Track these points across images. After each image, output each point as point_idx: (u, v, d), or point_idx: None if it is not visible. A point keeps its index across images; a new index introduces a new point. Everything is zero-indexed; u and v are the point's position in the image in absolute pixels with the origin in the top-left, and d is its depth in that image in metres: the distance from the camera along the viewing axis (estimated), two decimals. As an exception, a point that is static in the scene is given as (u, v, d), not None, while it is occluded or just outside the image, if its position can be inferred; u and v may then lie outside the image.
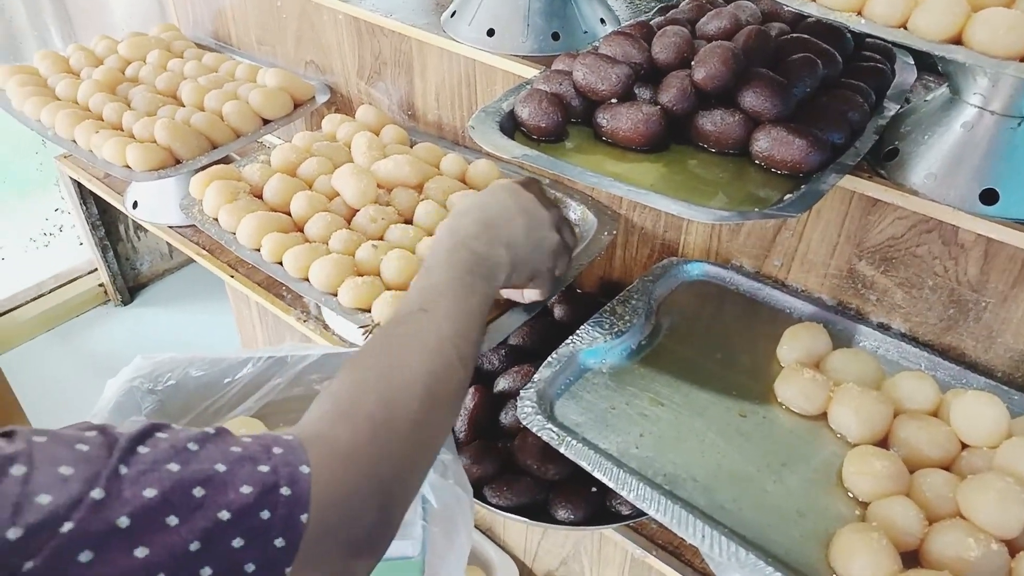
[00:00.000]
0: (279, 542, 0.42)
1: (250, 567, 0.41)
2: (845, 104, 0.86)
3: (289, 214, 1.07)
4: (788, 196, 0.78)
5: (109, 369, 0.78)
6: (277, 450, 0.45)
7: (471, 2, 1.14)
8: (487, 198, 0.76)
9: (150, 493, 0.39)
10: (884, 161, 0.85)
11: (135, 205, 1.44)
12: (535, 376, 0.84)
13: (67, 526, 0.36)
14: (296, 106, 1.38)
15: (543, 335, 1.08)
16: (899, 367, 0.86)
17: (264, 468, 0.43)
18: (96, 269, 1.88)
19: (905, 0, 0.67)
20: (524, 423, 0.79)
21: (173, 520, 0.39)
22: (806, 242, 0.93)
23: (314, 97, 1.40)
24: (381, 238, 1.02)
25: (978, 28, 0.64)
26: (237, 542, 0.41)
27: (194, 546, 0.39)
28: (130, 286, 1.94)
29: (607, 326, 0.90)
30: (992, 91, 0.76)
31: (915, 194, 0.80)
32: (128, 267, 1.93)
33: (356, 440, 0.51)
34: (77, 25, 1.89)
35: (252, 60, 1.53)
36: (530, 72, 1.07)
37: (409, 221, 1.07)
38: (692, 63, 0.87)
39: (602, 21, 1.15)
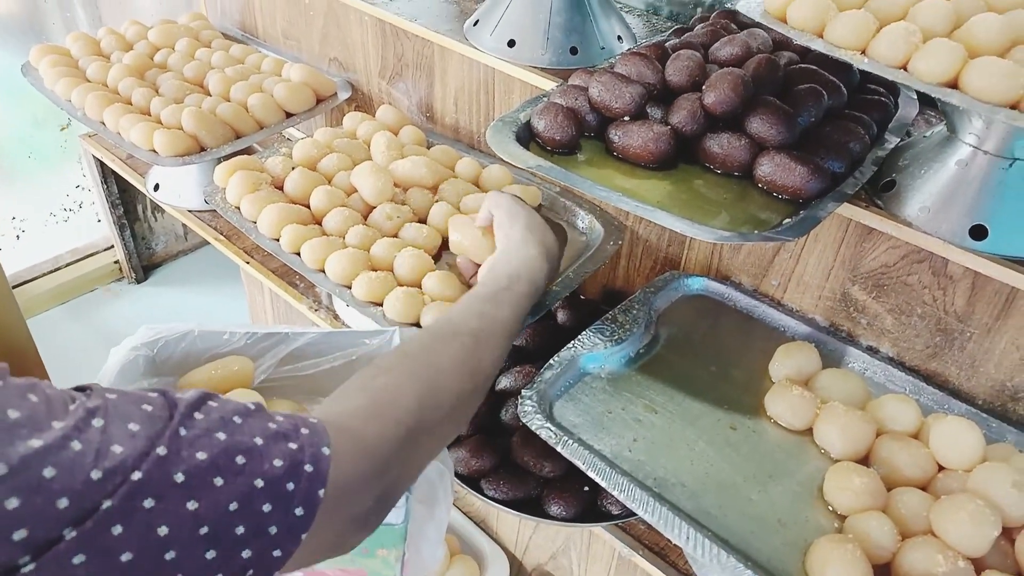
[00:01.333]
0: (299, 511, 0.48)
1: (273, 529, 0.46)
2: (847, 135, 0.90)
3: (308, 207, 1.11)
4: (787, 220, 0.82)
5: (119, 343, 0.82)
6: (304, 431, 0.50)
7: (494, 13, 1.18)
8: (533, 220, 0.87)
9: (202, 456, 0.44)
10: (881, 192, 0.89)
11: (156, 187, 1.48)
12: (537, 377, 0.88)
13: (136, 475, 0.41)
14: (318, 101, 1.42)
15: (545, 338, 1.12)
16: (885, 389, 0.90)
17: (293, 446, 0.49)
18: (112, 246, 1.93)
19: (907, 43, 0.71)
20: (524, 421, 0.83)
21: (219, 481, 0.44)
22: (803, 264, 0.97)
23: (336, 94, 1.44)
24: (396, 235, 1.06)
25: (974, 74, 0.68)
26: (266, 507, 0.46)
27: (233, 506, 0.44)
28: (144, 265, 1.98)
29: (608, 333, 0.94)
30: (986, 132, 0.80)
31: (909, 225, 0.84)
32: (144, 246, 1.97)
33: (381, 439, 0.56)
34: (104, 8, 1.93)
35: (277, 53, 1.57)
36: (547, 84, 1.11)
37: (424, 220, 1.11)
38: (703, 87, 0.91)
39: (619, 38, 1.19)
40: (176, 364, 0.85)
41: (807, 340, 0.96)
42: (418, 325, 0.95)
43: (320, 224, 1.08)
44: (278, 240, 1.05)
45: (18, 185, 1.78)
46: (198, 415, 0.46)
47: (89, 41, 1.51)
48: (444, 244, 1.10)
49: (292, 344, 0.87)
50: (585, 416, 0.86)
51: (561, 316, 1.15)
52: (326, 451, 0.50)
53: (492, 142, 0.91)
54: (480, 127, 1.30)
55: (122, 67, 1.41)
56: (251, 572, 0.46)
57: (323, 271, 1.01)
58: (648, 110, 0.95)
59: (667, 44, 1.05)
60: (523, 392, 0.86)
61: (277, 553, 0.47)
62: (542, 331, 1.12)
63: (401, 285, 0.98)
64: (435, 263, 1.05)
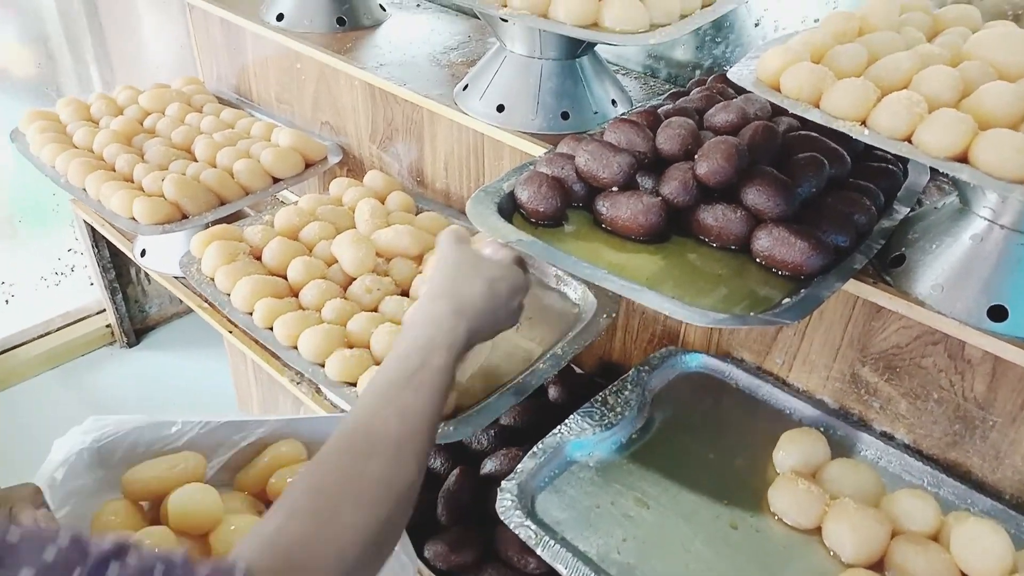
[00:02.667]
0: None
1: None
2: (851, 206, 0.84)
3: (287, 278, 1.06)
4: (787, 300, 0.76)
5: (109, 409, 0.77)
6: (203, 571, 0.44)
7: (483, 77, 1.14)
8: (454, 280, 0.73)
9: None
10: (890, 267, 0.82)
11: (143, 253, 1.45)
12: (518, 466, 0.82)
13: None
14: (308, 166, 1.39)
15: (536, 416, 1.05)
16: (901, 481, 0.83)
17: None
18: (104, 310, 1.89)
19: (910, 113, 0.65)
20: (502, 518, 0.76)
21: None
22: (808, 342, 0.90)
23: (327, 158, 1.41)
24: (375, 309, 1.01)
25: (984, 147, 0.62)
26: None
27: None
28: (137, 328, 1.94)
29: (598, 417, 0.88)
30: (1002, 206, 0.74)
31: (921, 304, 0.78)
32: (136, 309, 1.93)
33: (316, 565, 0.50)
34: (117, 69, 1.93)
35: (271, 117, 1.55)
36: (537, 150, 1.06)
37: (407, 293, 1.05)
38: (696, 156, 0.86)
39: (613, 102, 1.15)
40: (122, 457, 0.79)
41: (815, 424, 0.89)
42: (393, 408, 0.88)
43: (298, 296, 1.03)
44: (251, 314, 1.00)
45: (9, 249, 1.75)
46: (110, 570, 0.40)
47: (79, 106, 1.50)
48: (428, 317, 1.04)
49: (251, 434, 0.81)
50: (570, 511, 0.79)
51: (552, 392, 1.08)
52: None
53: (472, 214, 0.86)
54: (470, 192, 1.25)
55: (109, 132, 1.39)
56: None
57: (296, 348, 0.95)
58: (638, 180, 0.90)
59: (660, 110, 1.00)
60: (503, 484, 0.79)
61: None
62: (532, 409, 1.05)
63: (378, 364, 0.93)
64: (417, 339, 1.00)
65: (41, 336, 1.88)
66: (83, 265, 1.88)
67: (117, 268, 1.80)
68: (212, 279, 1.06)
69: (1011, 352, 0.73)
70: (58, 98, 1.85)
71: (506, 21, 0.96)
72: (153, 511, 0.82)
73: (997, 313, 0.74)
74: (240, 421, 0.82)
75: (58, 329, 1.90)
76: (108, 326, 1.93)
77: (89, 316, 1.93)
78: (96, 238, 1.71)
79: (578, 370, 1.19)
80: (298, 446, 0.87)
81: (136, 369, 1.92)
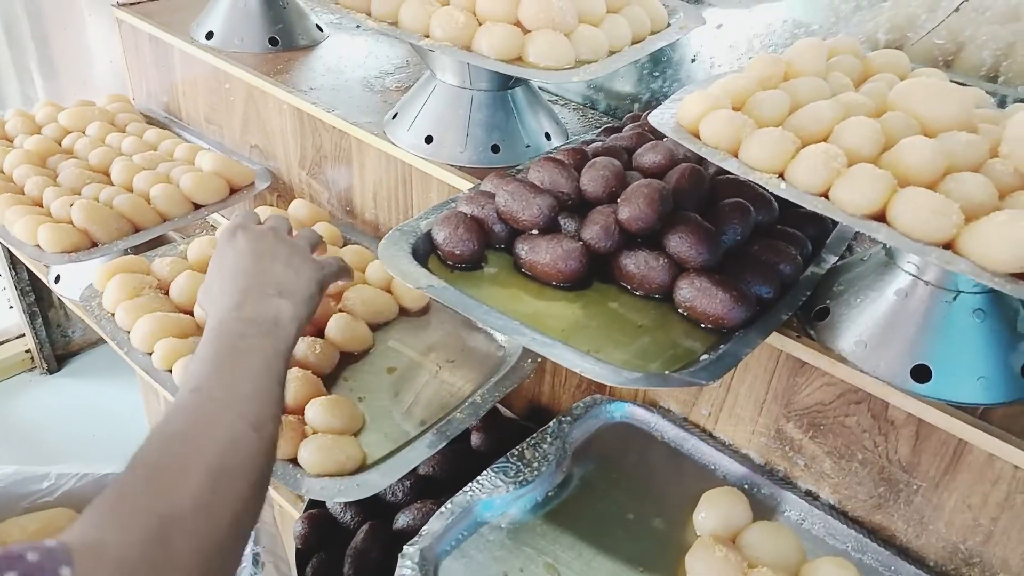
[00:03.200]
0: None
1: None
2: (776, 255, 0.81)
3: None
4: (705, 356, 0.72)
5: (27, 437, 0.71)
6: (32, 556, 0.42)
7: (412, 106, 1.10)
8: (227, 261, 0.75)
9: None
10: (815, 320, 0.79)
11: (57, 279, 1.37)
12: (423, 528, 0.76)
13: None
14: (234, 191, 1.33)
15: (456, 464, 1.00)
16: (825, 545, 0.79)
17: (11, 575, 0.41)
18: (24, 334, 1.80)
19: (827, 168, 0.62)
20: (400, 589, 0.71)
21: None
22: (734, 394, 0.87)
23: (254, 183, 1.35)
24: (286, 352, 0.95)
25: (902, 207, 0.59)
26: None
27: None
28: (59, 354, 1.85)
29: (512, 473, 0.83)
30: (925, 261, 0.71)
31: (843, 361, 0.74)
32: (59, 334, 1.85)
33: (128, 540, 0.48)
34: (64, 81, 1.85)
35: (200, 138, 1.48)
36: (465, 184, 1.02)
37: (321, 332, 1.00)
38: (619, 200, 0.82)
39: (547, 135, 1.11)
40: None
41: (740, 482, 0.85)
42: (294, 462, 0.83)
43: (204, 336, 0.97)
44: (151, 354, 0.94)
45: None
46: None
47: (-6, 123, 1.42)
48: (347, 359, 0.99)
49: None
50: (476, 579, 0.74)
51: (475, 439, 1.03)
52: (65, 572, 0.43)
53: (383, 256, 0.81)
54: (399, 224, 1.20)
55: (21, 152, 1.31)
56: None
57: (197, 393, 0.89)
58: (561, 221, 0.86)
59: (590, 147, 0.97)
60: (404, 549, 0.74)
61: None
62: (452, 457, 1.00)
63: (285, 412, 0.87)
64: (330, 384, 0.94)
65: (-46, 361, 1.78)
66: (1, 287, 1.79)
67: (36, 291, 1.72)
68: (113, 314, 0.99)
69: (934, 415, 0.70)
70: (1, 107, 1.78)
71: (432, 51, 0.92)
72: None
73: (921, 373, 0.72)
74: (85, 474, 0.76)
75: (-27, 354, 1.80)
76: (28, 351, 1.84)
77: (8, 340, 1.83)
78: (13, 260, 1.63)
79: (506, 412, 1.14)
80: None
81: (56, 397, 1.83)
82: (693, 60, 1.18)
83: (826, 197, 0.64)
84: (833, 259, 0.87)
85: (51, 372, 1.84)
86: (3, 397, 1.79)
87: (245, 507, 0.56)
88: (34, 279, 1.69)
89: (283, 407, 0.66)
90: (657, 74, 1.22)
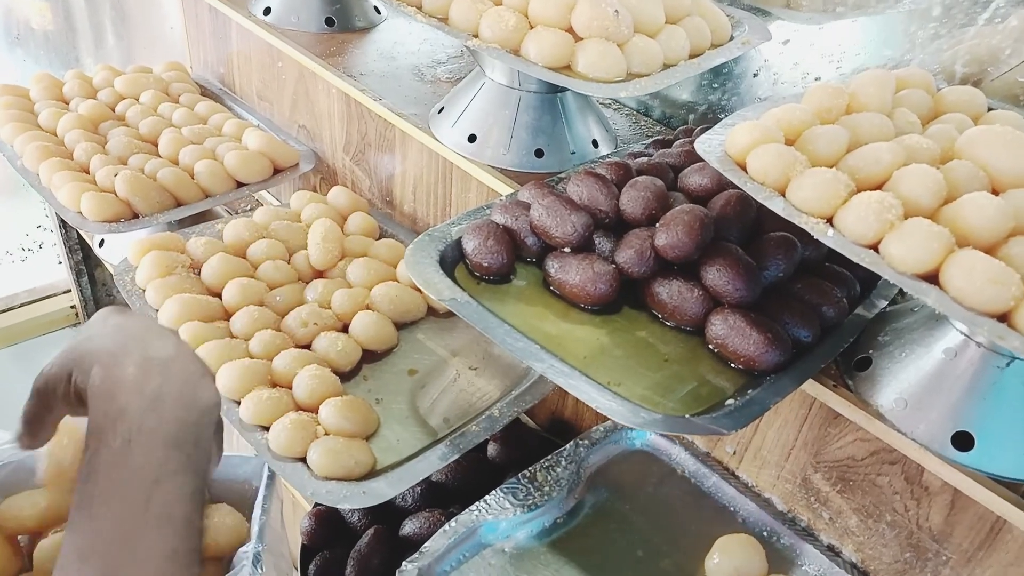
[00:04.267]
0: None
1: None
2: (820, 296, 0.76)
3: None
4: (730, 402, 0.68)
5: None
6: None
7: (458, 102, 1.07)
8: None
9: None
10: (855, 370, 0.75)
11: (101, 243, 1.39)
12: (424, 545, 0.75)
13: None
14: (278, 171, 1.32)
15: (470, 474, 0.98)
16: (840, 606, 0.75)
17: None
18: (70, 290, 1.84)
19: (879, 220, 0.58)
20: (394, 607, 0.69)
21: None
22: (762, 435, 0.83)
23: (298, 164, 1.34)
24: (308, 345, 0.94)
25: (955, 271, 0.55)
26: None
27: None
28: (103, 312, 1.89)
29: (522, 496, 0.81)
30: (979, 324, 0.66)
31: (881, 418, 0.70)
32: (103, 293, 1.88)
33: None
34: (135, 41, 1.87)
35: (251, 113, 1.48)
36: (505, 188, 0.99)
37: (346, 328, 0.98)
38: (658, 224, 0.79)
39: (595, 143, 1.07)
40: (3, 484, 0.73)
41: (759, 527, 0.82)
42: (303, 460, 0.82)
43: (230, 321, 0.97)
44: (176, 337, 0.94)
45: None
46: None
47: (52, 83, 1.44)
48: (369, 357, 0.98)
49: None
50: (472, 605, 0.72)
51: (492, 450, 1.01)
52: None
53: (409, 263, 0.79)
54: (437, 220, 1.19)
55: (74, 117, 1.32)
56: None
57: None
58: (596, 240, 0.83)
59: (635, 162, 0.93)
60: (404, 565, 0.73)
61: None
62: (466, 466, 0.98)
63: (300, 408, 0.86)
64: (349, 381, 0.93)
65: (2, 312, 1.83)
66: (52, 243, 1.83)
67: (84, 250, 1.75)
68: (144, 291, 1.00)
69: (973, 488, 0.65)
70: (76, 63, 1.81)
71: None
72: (30, 546, 0.76)
73: (962, 441, 0.67)
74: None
75: (21, 306, 1.85)
76: (73, 307, 1.88)
77: (55, 295, 1.88)
78: (63, 218, 1.66)
79: (528, 422, 1.12)
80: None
81: (97, 354, 1.87)
82: (755, 75, 1.13)
83: (876, 249, 0.59)
84: (883, 304, 0.82)
85: (94, 329, 1.89)
86: (47, 350, 1.83)
87: None
88: (82, 239, 1.72)
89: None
90: (716, 86, 1.17)
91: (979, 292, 0.53)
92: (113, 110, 1.41)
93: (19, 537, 0.76)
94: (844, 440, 0.75)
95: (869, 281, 0.84)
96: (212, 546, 0.76)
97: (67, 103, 1.42)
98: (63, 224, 1.67)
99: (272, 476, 0.78)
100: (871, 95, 0.72)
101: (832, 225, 0.61)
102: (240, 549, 0.72)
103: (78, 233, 1.72)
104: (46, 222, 1.81)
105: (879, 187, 0.63)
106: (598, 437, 0.89)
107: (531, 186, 0.88)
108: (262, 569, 0.74)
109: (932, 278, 0.57)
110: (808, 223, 0.61)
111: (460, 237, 0.83)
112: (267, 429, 0.84)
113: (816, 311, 0.76)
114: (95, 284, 1.85)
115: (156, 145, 1.32)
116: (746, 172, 0.67)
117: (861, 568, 0.78)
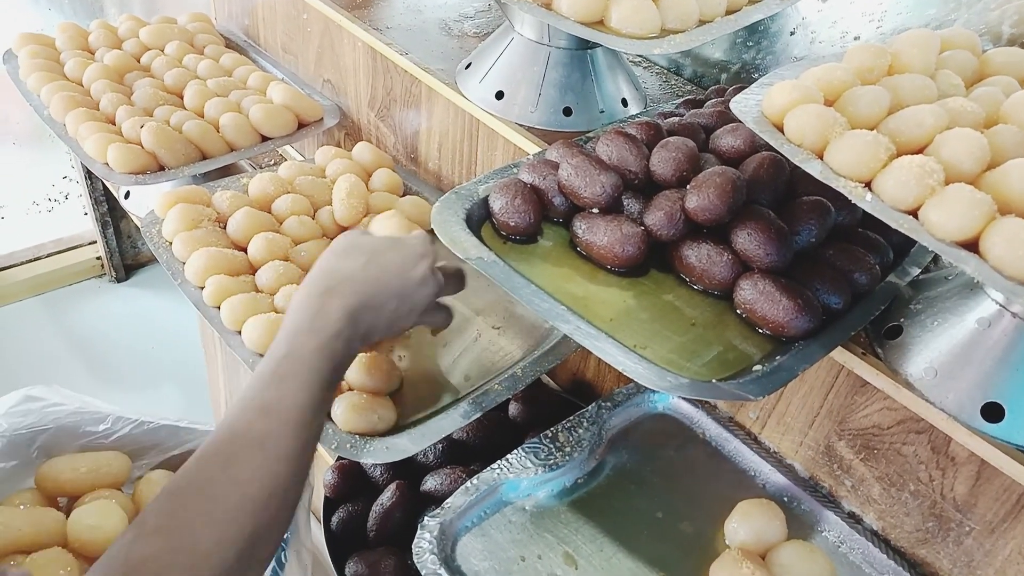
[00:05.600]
0: None
1: None
2: (852, 263, 0.75)
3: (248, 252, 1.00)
4: (757, 367, 0.68)
5: (89, 342, 0.73)
6: None
7: (486, 58, 1.05)
8: (330, 260, 0.69)
9: None
10: (885, 338, 0.74)
11: (127, 195, 1.40)
12: (446, 502, 0.76)
13: None
14: (303, 125, 1.31)
15: (491, 433, 0.99)
16: (861, 574, 0.75)
17: None
18: (95, 241, 1.85)
19: (920, 185, 0.56)
20: (415, 561, 0.70)
21: None
22: (786, 402, 0.82)
23: (323, 119, 1.33)
24: (332, 301, 0.94)
25: (997, 238, 0.53)
26: None
27: None
28: (127, 264, 1.91)
29: (543, 455, 0.81)
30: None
31: (910, 387, 0.69)
32: (128, 245, 1.89)
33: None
34: None
35: (275, 66, 1.47)
36: (531, 147, 0.98)
37: (370, 284, 0.98)
38: (689, 186, 0.77)
39: (624, 102, 1.06)
40: (44, 445, 0.75)
41: (780, 493, 0.82)
42: (328, 415, 0.82)
43: (255, 275, 0.97)
44: (203, 289, 0.94)
45: (1, 170, 1.71)
46: None
47: (77, 33, 1.43)
48: (391, 313, 0.98)
49: (184, 443, 0.76)
50: (493, 560, 0.73)
51: (513, 409, 1.02)
52: None
53: (436, 221, 0.78)
54: (462, 179, 1.18)
55: (100, 67, 1.32)
56: None
57: (240, 333, 0.89)
58: (625, 201, 0.81)
59: (666, 121, 0.91)
60: (424, 520, 0.73)
61: None
62: (488, 424, 0.99)
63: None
64: (372, 337, 0.93)
65: (29, 261, 1.85)
66: (78, 194, 1.84)
67: (110, 201, 1.76)
68: (171, 243, 1.00)
69: (1000, 458, 0.64)
70: (100, 12, 1.80)
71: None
72: (69, 506, 0.78)
73: (992, 412, 0.66)
74: (176, 427, 0.78)
75: (48, 256, 1.87)
76: (98, 258, 1.89)
77: (80, 246, 1.90)
78: (89, 169, 1.67)
79: (549, 382, 1.12)
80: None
81: (121, 305, 1.89)
82: (792, 33, 1.09)
83: (915, 215, 0.58)
84: (916, 271, 0.80)
85: (119, 281, 1.91)
86: (72, 299, 1.86)
87: (280, 533, 0.55)
88: (107, 190, 1.73)
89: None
90: (751, 44, 1.14)
91: (1020, 261, 0.52)
92: (138, 61, 1.40)
93: (58, 499, 0.78)
94: (871, 408, 0.74)
95: (903, 247, 0.83)
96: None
97: (92, 53, 1.41)
98: (89, 175, 1.67)
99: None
100: (914, 56, 0.69)
101: (871, 190, 0.60)
102: None
103: (104, 184, 1.73)
104: (72, 173, 1.82)
105: (920, 151, 0.61)
106: (620, 399, 0.89)
107: (559, 145, 0.87)
108: (286, 558, 0.75)
109: (972, 246, 0.56)
110: (846, 187, 0.59)
111: (487, 196, 0.82)
112: (292, 383, 0.84)
113: (848, 278, 0.74)
114: (120, 236, 1.87)
115: (181, 97, 1.31)
116: (783, 133, 0.65)
117: (882, 536, 0.78)
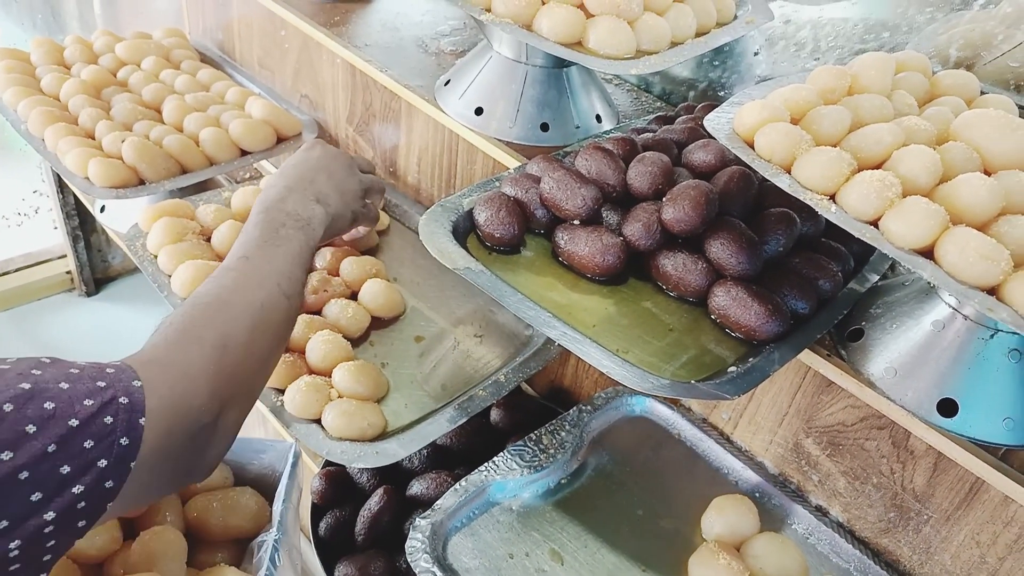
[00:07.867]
0: (124, 440, 0.51)
1: (102, 462, 0.49)
2: (817, 270, 0.80)
3: (234, 265, 1.01)
4: (732, 369, 0.72)
5: (60, 356, 0.74)
6: (110, 370, 0.53)
7: (465, 75, 1.09)
8: (289, 168, 0.87)
9: (8, 407, 0.46)
10: (848, 340, 0.79)
11: (103, 209, 1.40)
12: (437, 503, 0.78)
13: None
14: (280, 140, 1.33)
15: (473, 438, 1.02)
16: (828, 562, 0.80)
17: (102, 383, 0.51)
18: (66, 255, 1.84)
19: (880, 197, 0.61)
20: (409, 560, 0.73)
21: (31, 428, 0.46)
22: (756, 402, 0.87)
23: (301, 134, 1.36)
24: (319, 311, 0.97)
25: (950, 247, 0.58)
26: (88, 443, 0.49)
27: (51, 448, 0.47)
28: (98, 277, 1.90)
29: (528, 457, 0.84)
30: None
31: (872, 386, 0.74)
32: (99, 258, 1.89)
33: (190, 359, 0.60)
34: (121, 9, 1.86)
35: (251, 81, 1.49)
36: (511, 162, 1.02)
37: (355, 295, 1.01)
38: (664, 199, 0.82)
39: (598, 118, 1.10)
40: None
41: (752, 490, 0.86)
42: (318, 422, 0.85)
43: (241, 287, 0.99)
44: (190, 301, 0.96)
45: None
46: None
47: (53, 48, 1.44)
48: (376, 324, 1.01)
49: None
50: (482, 558, 0.76)
51: (495, 415, 1.05)
52: (137, 383, 0.53)
53: (424, 233, 0.81)
54: (441, 193, 1.21)
55: (77, 82, 1.33)
56: (83, 504, 0.48)
57: (229, 344, 0.91)
58: (604, 214, 0.86)
59: (640, 137, 0.96)
60: (415, 521, 0.76)
61: (109, 484, 0.50)
62: (470, 431, 1.02)
63: (312, 372, 0.89)
64: (358, 347, 0.96)
65: (-2, 276, 1.84)
66: (48, 208, 1.83)
67: (81, 215, 1.75)
68: (155, 257, 1.02)
69: (955, 451, 0.70)
70: (60, 31, 1.79)
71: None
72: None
73: (947, 407, 0.71)
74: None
75: (16, 270, 1.85)
76: (68, 272, 1.88)
77: (50, 260, 1.88)
78: (62, 183, 1.66)
79: (528, 390, 1.16)
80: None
81: (92, 319, 1.88)
82: (756, 54, 1.15)
83: (876, 225, 0.63)
84: (875, 278, 0.86)
85: (89, 295, 1.89)
86: (41, 314, 1.84)
87: (271, 353, 0.70)
88: (79, 204, 1.72)
89: (304, 291, 0.79)
90: (717, 63, 1.20)
91: (971, 267, 0.57)
92: (115, 76, 1.41)
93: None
94: (836, 407, 0.79)
95: (863, 256, 0.88)
96: (236, 528, 0.79)
97: (68, 68, 1.42)
98: (60, 190, 1.67)
99: (295, 465, 0.81)
100: (872, 77, 0.75)
101: (835, 202, 0.65)
102: (260, 535, 0.75)
103: (75, 198, 1.72)
104: (42, 187, 1.81)
105: (879, 166, 0.66)
106: (600, 403, 0.93)
107: (540, 159, 0.91)
108: (279, 560, 0.77)
109: (928, 253, 0.61)
110: (813, 200, 0.64)
111: (471, 208, 0.85)
112: (282, 392, 0.87)
113: (813, 284, 0.79)
114: (91, 249, 1.86)
115: (159, 112, 1.33)
116: (753, 150, 0.70)
117: (847, 527, 0.83)
